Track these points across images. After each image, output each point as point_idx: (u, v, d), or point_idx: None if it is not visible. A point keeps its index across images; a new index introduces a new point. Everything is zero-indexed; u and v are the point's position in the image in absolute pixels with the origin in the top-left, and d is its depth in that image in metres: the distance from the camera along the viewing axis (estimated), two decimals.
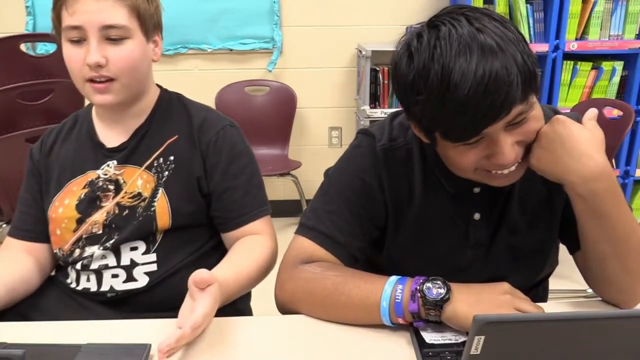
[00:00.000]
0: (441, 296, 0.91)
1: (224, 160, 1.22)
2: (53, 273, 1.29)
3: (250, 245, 1.20)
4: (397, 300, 0.93)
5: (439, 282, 0.92)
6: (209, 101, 3.30)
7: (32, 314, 1.16)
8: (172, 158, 1.21)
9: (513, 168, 0.94)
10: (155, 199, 1.19)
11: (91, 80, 1.13)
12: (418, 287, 0.92)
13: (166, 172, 1.20)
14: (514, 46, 0.85)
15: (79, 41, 1.12)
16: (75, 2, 1.10)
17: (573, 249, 1.09)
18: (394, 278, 0.96)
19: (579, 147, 0.90)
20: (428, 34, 0.87)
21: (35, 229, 1.25)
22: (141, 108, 1.23)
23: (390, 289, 0.94)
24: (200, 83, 3.32)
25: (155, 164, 1.21)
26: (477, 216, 1.07)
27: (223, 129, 1.24)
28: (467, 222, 1.08)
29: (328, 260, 1.05)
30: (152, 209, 1.18)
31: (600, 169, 0.90)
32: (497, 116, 0.85)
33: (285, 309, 1.06)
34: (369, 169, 1.07)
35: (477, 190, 1.06)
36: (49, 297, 1.23)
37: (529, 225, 1.08)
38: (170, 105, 1.26)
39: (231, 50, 3.33)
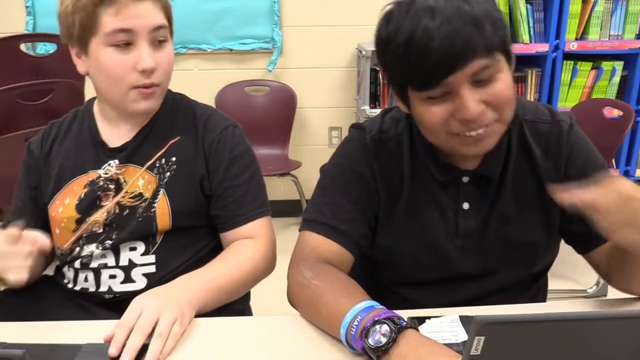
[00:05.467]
0: (379, 345, 0.82)
1: (226, 161, 1.21)
2: (52, 274, 1.29)
3: (236, 253, 1.18)
4: (352, 332, 0.87)
5: (388, 326, 0.82)
6: (209, 101, 3.30)
7: (32, 314, 1.16)
8: (174, 159, 1.20)
9: (481, 131, 0.96)
10: (156, 200, 1.18)
11: (136, 87, 1.12)
12: (368, 326, 0.84)
13: (168, 173, 1.19)
14: (484, 7, 0.92)
15: (124, 46, 1.09)
16: (125, 7, 1.07)
17: (586, 250, 1.10)
18: (361, 305, 0.89)
19: None
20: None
21: (33, 218, 1.25)
22: None
23: (350, 318, 0.88)
24: (200, 83, 3.32)
25: (157, 165, 1.20)
26: (465, 205, 1.09)
27: (226, 129, 1.23)
28: (456, 211, 1.09)
29: (332, 251, 1.06)
30: (153, 210, 1.18)
31: None
32: (457, 64, 0.90)
33: (290, 303, 1.06)
34: (360, 159, 1.10)
35: (465, 179, 1.08)
36: (48, 299, 1.23)
37: (521, 217, 1.09)
38: (176, 105, 1.25)
39: (231, 50, 3.32)
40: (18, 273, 1.01)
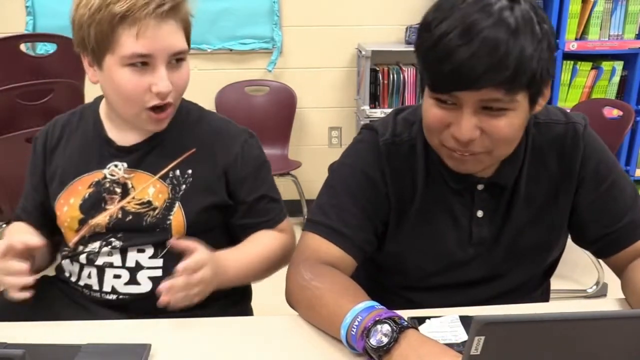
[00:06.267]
0: (381, 344, 0.82)
1: (253, 173, 1.23)
2: (53, 273, 1.29)
3: (259, 235, 1.22)
4: (352, 333, 0.87)
5: (390, 326, 0.83)
6: (209, 101, 3.29)
7: (32, 314, 1.15)
8: (190, 172, 1.18)
9: (468, 155, 0.95)
10: (172, 213, 1.17)
11: (151, 108, 1.09)
12: (370, 326, 0.85)
13: (183, 186, 1.18)
14: (532, 41, 0.86)
15: (140, 65, 1.06)
16: (145, 28, 1.03)
17: (604, 256, 1.10)
18: (361, 305, 0.89)
19: None
20: None
21: (38, 219, 1.26)
22: None
23: (351, 319, 0.88)
24: (200, 83, 3.31)
25: (171, 175, 1.18)
26: (480, 213, 1.08)
27: (246, 141, 1.23)
28: (470, 219, 1.08)
29: (334, 255, 1.05)
30: (168, 222, 1.16)
31: None
32: (470, 83, 0.87)
33: (289, 304, 1.06)
34: (371, 163, 1.07)
35: (480, 187, 1.07)
36: (48, 298, 1.22)
37: (534, 223, 1.08)
38: (189, 115, 1.23)
39: (231, 50, 3.32)
40: (16, 291, 1.03)
